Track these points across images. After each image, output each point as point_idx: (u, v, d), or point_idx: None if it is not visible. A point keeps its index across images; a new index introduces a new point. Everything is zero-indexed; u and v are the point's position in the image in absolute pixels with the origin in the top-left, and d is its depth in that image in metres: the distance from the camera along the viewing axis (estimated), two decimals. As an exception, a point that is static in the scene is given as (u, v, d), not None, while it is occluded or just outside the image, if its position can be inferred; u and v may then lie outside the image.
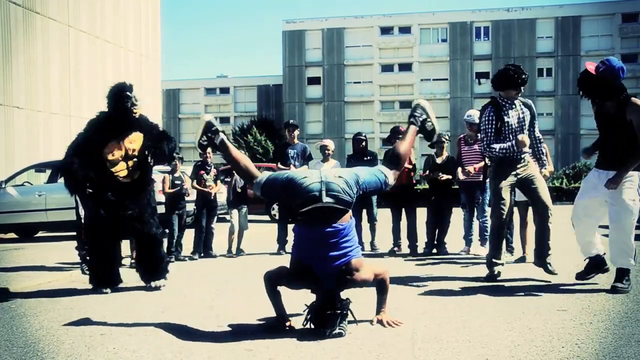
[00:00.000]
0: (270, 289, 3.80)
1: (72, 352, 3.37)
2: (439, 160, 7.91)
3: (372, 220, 8.30)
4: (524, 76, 5.31)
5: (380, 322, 3.79)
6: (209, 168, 8.38)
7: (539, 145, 5.66)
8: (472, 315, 4.04)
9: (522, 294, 4.84)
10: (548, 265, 5.32)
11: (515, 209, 6.75)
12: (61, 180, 5.98)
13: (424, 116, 4.29)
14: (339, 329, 3.53)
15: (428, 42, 44.38)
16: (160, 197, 8.43)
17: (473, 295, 4.79)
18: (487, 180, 6.79)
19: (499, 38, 42.96)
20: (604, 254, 5.14)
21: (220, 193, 8.67)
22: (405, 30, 44.56)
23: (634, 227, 4.78)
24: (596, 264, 5.15)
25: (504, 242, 5.95)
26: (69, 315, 4.34)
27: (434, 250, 7.77)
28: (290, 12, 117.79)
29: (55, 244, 10.39)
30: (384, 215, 8.53)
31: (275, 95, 49.36)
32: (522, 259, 6.75)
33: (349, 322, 3.67)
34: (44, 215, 11.21)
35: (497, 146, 5.33)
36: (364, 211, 8.21)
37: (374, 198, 8.29)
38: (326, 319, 3.54)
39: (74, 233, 7.42)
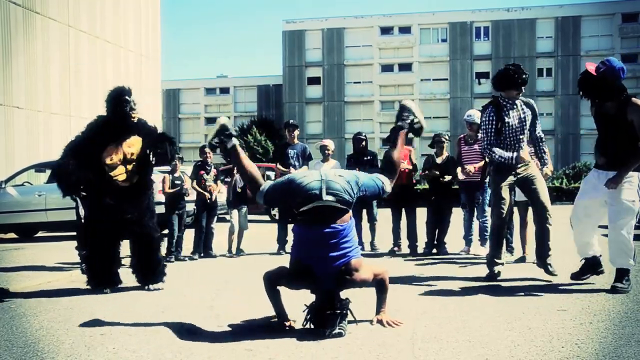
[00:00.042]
0: (269, 289, 3.80)
1: (72, 352, 3.37)
2: (438, 160, 7.91)
3: (372, 220, 8.30)
4: (524, 76, 5.31)
5: (380, 322, 3.79)
6: (209, 168, 8.38)
7: (540, 144, 5.66)
8: (472, 315, 4.04)
9: (522, 294, 4.84)
10: (548, 267, 5.34)
11: (515, 209, 6.75)
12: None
13: (411, 117, 4.27)
14: (339, 328, 3.53)
15: (428, 42, 44.38)
16: (160, 197, 8.44)
17: (473, 295, 4.79)
18: (487, 179, 6.79)
19: (499, 38, 42.96)
20: (600, 255, 5.15)
21: (220, 193, 8.67)
22: (405, 30, 44.57)
23: (633, 228, 4.79)
24: (592, 265, 5.16)
25: (504, 242, 5.96)
26: (69, 315, 4.35)
27: (434, 250, 7.77)
28: (290, 12, 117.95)
29: (55, 244, 10.39)
30: (384, 215, 8.53)
31: (275, 95, 49.37)
32: (522, 259, 6.75)
33: (349, 322, 3.67)
34: (44, 215, 11.21)
35: (497, 151, 5.33)
36: (364, 211, 8.21)
37: (374, 198, 8.29)
38: (326, 319, 3.55)
39: (74, 233, 7.42)
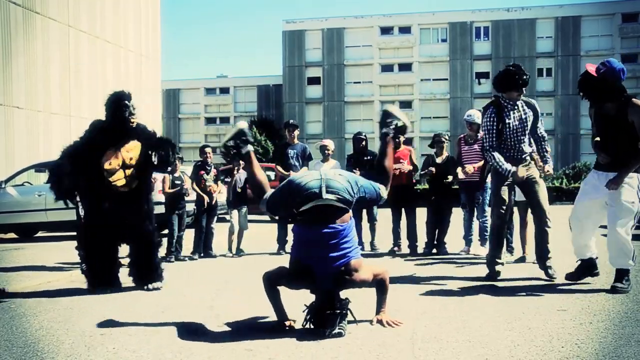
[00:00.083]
0: (269, 289, 3.80)
1: (72, 352, 3.37)
2: (438, 160, 7.91)
3: (372, 220, 8.30)
4: (525, 77, 5.31)
5: (380, 322, 3.79)
6: (209, 168, 8.38)
7: (543, 143, 5.66)
8: (472, 315, 4.04)
9: (522, 294, 4.84)
10: (548, 269, 5.35)
11: (515, 209, 6.75)
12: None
13: (395, 121, 4.25)
14: (339, 328, 3.53)
15: (428, 42, 44.39)
16: (160, 197, 8.44)
17: (473, 295, 4.79)
18: (487, 179, 6.79)
19: (499, 38, 42.97)
20: (597, 257, 5.16)
21: (220, 193, 8.67)
22: (405, 30, 44.58)
23: (632, 228, 4.79)
24: (587, 267, 5.16)
25: (504, 242, 5.96)
26: (69, 315, 4.35)
27: (434, 250, 7.77)
28: (290, 12, 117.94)
29: (55, 244, 10.39)
30: (384, 215, 8.53)
31: (275, 95, 49.38)
32: (522, 259, 6.75)
33: (349, 322, 3.67)
34: (43, 215, 11.20)
35: (497, 157, 5.32)
36: (364, 211, 8.21)
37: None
38: (326, 319, 3.55)
39: (74, 233, 7.41)
